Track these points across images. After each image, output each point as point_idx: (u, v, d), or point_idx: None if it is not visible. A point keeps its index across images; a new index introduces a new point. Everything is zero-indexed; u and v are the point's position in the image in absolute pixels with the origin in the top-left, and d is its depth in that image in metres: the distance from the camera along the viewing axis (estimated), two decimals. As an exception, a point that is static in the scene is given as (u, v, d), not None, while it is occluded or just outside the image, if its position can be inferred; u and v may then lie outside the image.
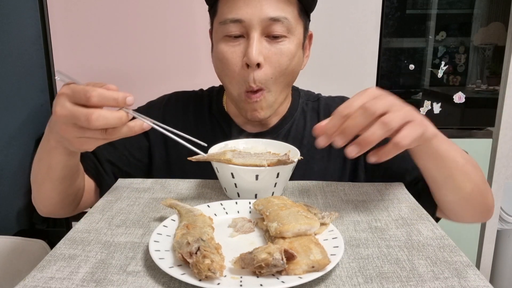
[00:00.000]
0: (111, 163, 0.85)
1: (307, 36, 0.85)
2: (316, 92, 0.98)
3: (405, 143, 0.55)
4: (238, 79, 0.78)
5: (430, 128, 0.62)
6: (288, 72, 0.79)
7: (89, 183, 0.83)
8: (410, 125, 0.56)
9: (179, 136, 0.64)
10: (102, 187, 0.83)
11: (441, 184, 0.70)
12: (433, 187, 0.72)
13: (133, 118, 0.59)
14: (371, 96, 0.56)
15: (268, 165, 0.63)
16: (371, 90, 0.58)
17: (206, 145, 0.67)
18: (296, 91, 0.94)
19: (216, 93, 0.94)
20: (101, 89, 0.56)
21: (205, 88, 0.99)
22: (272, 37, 0.76)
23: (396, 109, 0.56)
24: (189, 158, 0.65)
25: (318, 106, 0.92)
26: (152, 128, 0.83)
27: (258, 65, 0.75)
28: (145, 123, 0.59)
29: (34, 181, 0.76)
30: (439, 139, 0.65)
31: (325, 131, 0.57)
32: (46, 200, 0.77)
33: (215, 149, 0.72)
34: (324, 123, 0.57)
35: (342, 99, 0.94)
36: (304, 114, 0.91)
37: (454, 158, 0.67)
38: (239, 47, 0.77)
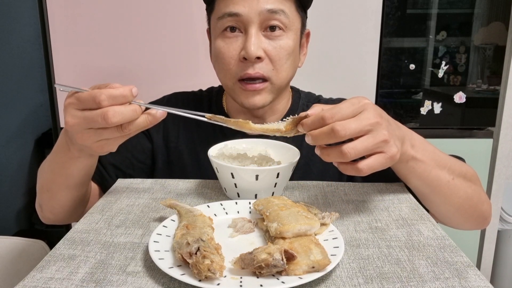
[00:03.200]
0: (114, 166, 0.85)
1: (304, 33, 0.85)
2: (316, 93, 0.97)
3: (364, 173, 0.55)
4: (234, 70, 0.78)
5: (408, 151, 0.63)
6: (287, 67, 0.79)
7: (94, 188, 0.84)
8: (378, 155, 0.56)
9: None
10: (107, 191, 0.83)
11: (426, 197, 0.71)
12: (421, 199, 0.72)
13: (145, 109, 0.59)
14: (356, 111, 0.55)
15: (286, 128, 0.59)
16: (362, 104, 0.56)
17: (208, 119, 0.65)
18: (296, 93, 0.94)
19: (215, 94, 0.94)
20: (107, 89, 0.56)
21: (204, 88, 0.98)
22: (270, 31, 0.76)
23: (370, 136, 0.55)
24: (206, 115, 0.63)
25: None
26: (155, 130, 0.81)
27: (259, 58, 0.76)
28: (158, 111, 0.59)
29: (47, 190, 0.76)
30: (417, 161, 0.65)
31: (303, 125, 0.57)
32: (58, 208, 0.77)
33: (215, 149, 0.72)
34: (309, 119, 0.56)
35: (341, 102, 0.93)
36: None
37: (436, 177, 0.67)
38: (236, 42, 0.77)
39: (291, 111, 0.90)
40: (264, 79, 0.78)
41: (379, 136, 0.55)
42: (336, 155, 0.54)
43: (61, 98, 1.55)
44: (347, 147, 0.53)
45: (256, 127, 0.60)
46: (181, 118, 0.91)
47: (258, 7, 0.74)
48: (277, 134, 0.60)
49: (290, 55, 0.79)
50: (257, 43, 0.75)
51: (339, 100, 0.94)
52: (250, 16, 0.75)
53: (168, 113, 0.92)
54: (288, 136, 0.61)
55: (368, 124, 0.55)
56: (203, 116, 0.63)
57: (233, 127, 0.62)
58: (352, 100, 0.57)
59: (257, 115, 0.87)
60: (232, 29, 0.77)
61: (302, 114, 0.57)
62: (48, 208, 0.79)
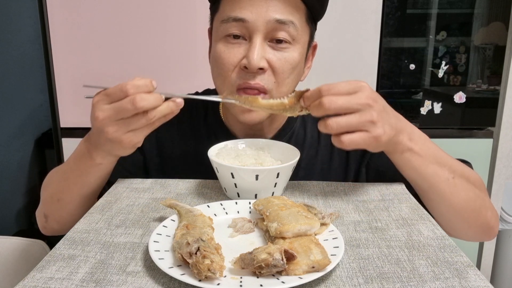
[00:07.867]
0: (108, 181, 0.80)
1: (311, 46, 0.80)
2: None
3: (346, 145, 0.59)
4: (233, 78, 0.73)
5: (404, 142, 0.64)
6: (290, 81, 0.74)
7: None
8: (362, 133, 0.59)
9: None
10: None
11: (425, 194, 0.70)
12: (420, 195, 0.71)
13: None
14: (352, 90, 0.59)
15: (289, 101, 0.63)
16: (359, 85, 0.60)
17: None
18: None
19: (212, 101, 0.90)
20: (131, 81, 0.61)
21: (200, 91, 0.95)
22: (276, 42, 0.71)
23: (356, 114, 0.58)
24: (221, 97, 0.67)
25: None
26: (147, 141, 0.74)
27: (261, 69, 0.71)
28: (178, 98, 0.63)
29: (57, 199, 0.76)
30: (414, 154, 0.65)
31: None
32: (67, 217, 0.76)
33: (214, 150, 0.72)
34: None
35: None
36: (304, 125, 0.87)
37: (434, 173, 0.67)
38: (238, 48, 0.72)
39: (290, 121, 0.85)
40: (264, 92, 0.73)
41: (366, 116, 0.59)
42: (322, 126, 0.60)
43: (61, 98, 1.55)
44: (331, 120, 0.58)
45: (263, 103, 0.64)
46: (175, 126, 0.85)
47: (267, 16, 0.69)
48: (285, 113, 0.65)
49: (294, 69, 0.74)
50: (260, 53, 0.70)
51: None
52: (257, 24, 0.69)
53: (162, 124, 0.88)
54: (294, 115, 0.64)
55: (357, 103, 0.58)
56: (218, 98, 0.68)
57: (244, 105, 0.66)
58: (351, 81, 0.60)
59: (255, 128, 0.82)
60: (236, 37, 0.72)
61: (304, 89, 0.62)
62: (55, 218, 0.78)
